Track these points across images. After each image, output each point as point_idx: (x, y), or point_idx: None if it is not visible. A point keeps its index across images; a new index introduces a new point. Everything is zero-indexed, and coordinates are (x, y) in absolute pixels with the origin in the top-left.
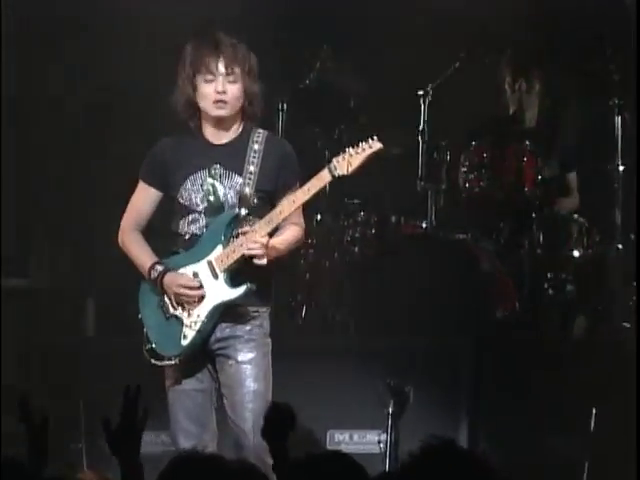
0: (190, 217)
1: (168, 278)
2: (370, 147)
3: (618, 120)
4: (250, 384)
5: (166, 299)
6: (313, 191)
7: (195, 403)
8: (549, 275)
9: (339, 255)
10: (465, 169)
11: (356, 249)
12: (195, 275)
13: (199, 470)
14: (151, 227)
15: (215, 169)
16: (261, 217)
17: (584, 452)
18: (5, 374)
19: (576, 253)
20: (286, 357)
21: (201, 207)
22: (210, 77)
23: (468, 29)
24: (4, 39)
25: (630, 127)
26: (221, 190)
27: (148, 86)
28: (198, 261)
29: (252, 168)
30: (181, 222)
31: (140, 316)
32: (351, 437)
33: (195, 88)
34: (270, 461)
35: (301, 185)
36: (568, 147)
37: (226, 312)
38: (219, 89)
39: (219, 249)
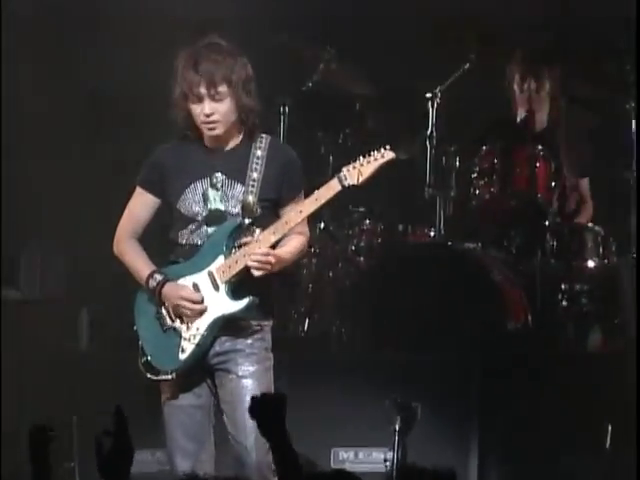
0: (190, 227)
1: (168, 288)
2: (382, 156)
3: (634, 124)
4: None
5: (164, 310)
6: (321, 201)
7: (193, 420)
8: (563, 286)
9: (343, 265)
10: (475, 175)
11: (361, 259)
12: (195, 286)
13: None
14: (147, 236)
15: (216, 178)
16: (265, 227)
17: (599, 471)
18: None
19: (591, 263)
20: (288, 372)
21: (202, 217)
22: (196, 99)
23: (478, 29)
24: (4, 39)
25: None
26: (223, 199)
27: (145, 89)
28: (198, 271)
29: (255, 175)
30: (180, 232)
31: (135, 327)
32: (356, 455)
33: (188, 108)
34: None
35: (305, 193)
36: (581, 153)
37: (227, 325)
38: (205, 112)
39: (220, 260)
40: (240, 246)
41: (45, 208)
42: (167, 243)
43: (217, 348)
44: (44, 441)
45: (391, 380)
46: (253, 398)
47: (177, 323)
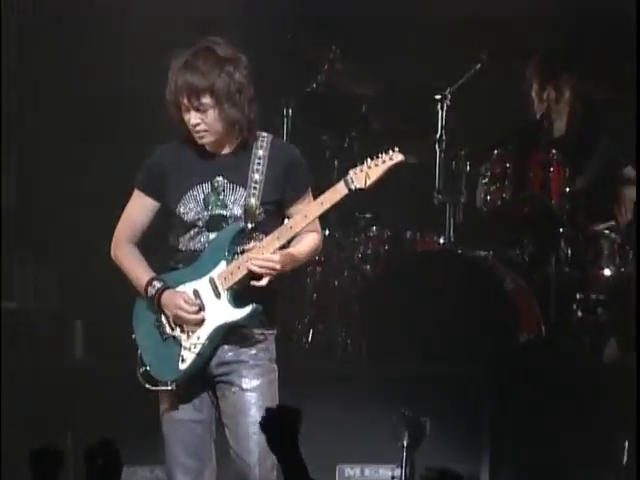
0: (191, 232)
1: (166, 296)
2: (391, 159)
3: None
4: (255, 413)
5: (163, 318)
6: (327, 205)
7: (193, 435)
8: (578, 296)
9: (349, 274)
10: (486, 180)
11: (368, 267)
12: (196, 293)
13: None
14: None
15: (217, 182)
16: (268, 231)
17: None
18: None
19: (607, 272)
20: (292, 384)
21: (203, 222)
22: (184, 107)
23: (490, 28)
24: (4, 39)
25: None
26: (224, 203)
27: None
28: (199, 278)
29: (257, 177)
30: (181, 237)
31: (134, 336)
32: (362, 472)
33: (180, 114)
34: None
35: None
36: (600, 161)
37: (229, 334)
38: (192, 122)
39: (222, 266)
40: (243, 252)
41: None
42: (167, 248)
43: (219, 358)
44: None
45: (399, 393)
46: (267, 410)
47: (177, 332)
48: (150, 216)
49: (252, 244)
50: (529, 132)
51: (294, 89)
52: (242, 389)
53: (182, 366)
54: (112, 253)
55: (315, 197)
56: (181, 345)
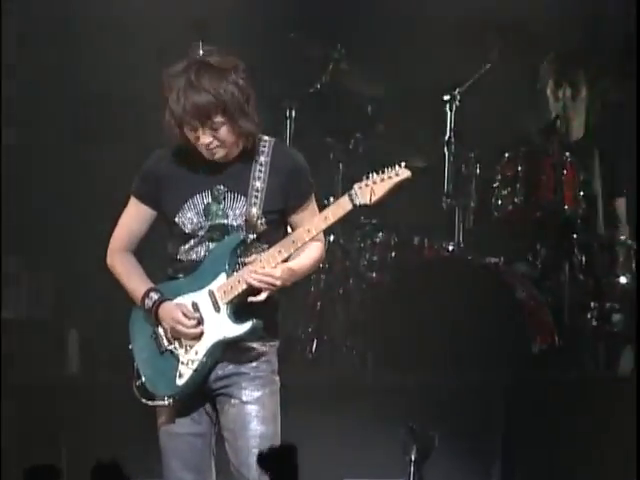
0: (190, 243)
1: (164, 309)
2: (397, 174)
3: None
4: (256, 427)
5: (160, 331)
6: (332, 220)
7: (192, 449)
8: (592, 304)
9: (354, 281)
10: (497, 184)
11: (374, 275)
12: (194, 306)
13: None
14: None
15: (218, 190)
16: (270, 242)
17: None
18: None
19: (623, 279)
20: (295, 396)
21: (203, 232)
22: (190, 127)
23: (500, 27)
24: (4, 39)
25: None
26: (225, 213)
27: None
28: (198, 290)
29: (258, 184)
30: (180, 247)
31: (131, 347)
32: None
33: (182, 132)
34: None
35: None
36: (617, 167)
37: (228, 348)
38: (204, 142)
39: (222, 278)
40: (244, 264)
41: (33, 225)
42: (164, 255)
43: (219, 371)
44: None
45: (406, 406)
46: (270, 449)
47: (175, 345)
48: (147, 225)
49: (253, 257)
50: (542, 134)
51: (297, 90)
52: (242, 402)
53: (179, 382)
54: (108, 261)
55: (318, 203)
56: (179, 360)
